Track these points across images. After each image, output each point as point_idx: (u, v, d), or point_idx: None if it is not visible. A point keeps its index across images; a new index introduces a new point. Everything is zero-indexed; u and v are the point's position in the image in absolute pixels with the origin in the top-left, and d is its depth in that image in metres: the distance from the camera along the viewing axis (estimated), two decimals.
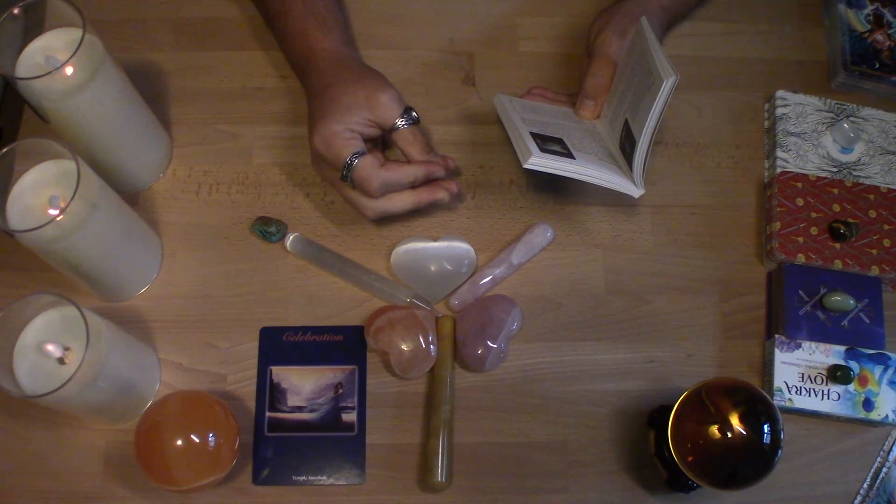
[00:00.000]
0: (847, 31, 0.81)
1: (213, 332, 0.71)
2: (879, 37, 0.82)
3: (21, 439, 0.67)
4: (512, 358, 0.71)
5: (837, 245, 0.72)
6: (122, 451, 0.66)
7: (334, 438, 0.68)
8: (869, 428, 0.70)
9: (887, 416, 0.68)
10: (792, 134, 0.77)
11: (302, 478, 0.67)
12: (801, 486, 0.68)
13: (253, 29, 0.80)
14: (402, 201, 0.68)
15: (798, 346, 0.70)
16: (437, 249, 0.73)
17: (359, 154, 0.65)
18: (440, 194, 0.69)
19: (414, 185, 0.68)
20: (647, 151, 0.67)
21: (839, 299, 0.69)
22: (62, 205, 0.56)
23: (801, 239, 0.72)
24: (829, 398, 0.68)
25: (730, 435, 0.59)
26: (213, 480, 0.63)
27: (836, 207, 0.73)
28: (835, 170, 0.76)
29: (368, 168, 0.65)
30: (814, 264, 0.72)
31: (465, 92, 0.80)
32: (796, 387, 0.69)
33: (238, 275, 0.72)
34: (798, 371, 0.69)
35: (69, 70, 0.59)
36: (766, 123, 0.80)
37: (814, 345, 0.70)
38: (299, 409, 0.68)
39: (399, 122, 0.68)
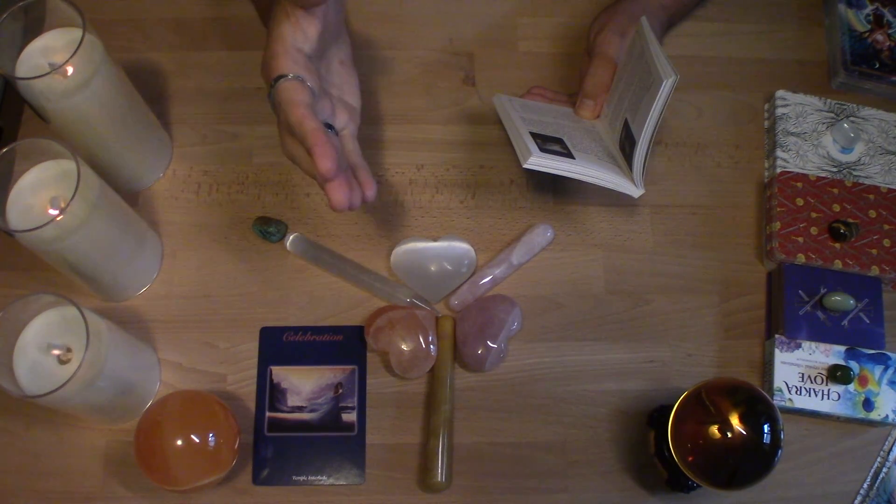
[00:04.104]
0: (847, 31, 0.81)
1: (213, 332, 0.71)
2: (879, 37, 0.82)
3: (21, 439, 0.67)
4: (512, 358, 0.71)
5: (837, 245, 0.72)
6: (122, 451, 0.66)
7: (334, 438, 0.68)
8: (869, 428, 0.70)
9: (887, 416, 0.68)
10: (792, 134, 0.77)
11: (302, 478, 0.67)
12: (801, 486, 0.68)
13: (253, 29, 0.80)
14: (305, 162, 0.58)
15: (798, 346, 0.70)
16: (437, 249, 0.73)
17: (286, 77, 0.57)
18: (334, 194, 0.56)
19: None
20: (647, 151, 0.67)
21: (839, 299, 0.69)
22: (61, 205, 0.56)
23: (801, 239, 0.72)
24: (829, 398, 0.68)
25: (730, 435, 0.59)
26: (213, 480, 0.63)
27: (836, 207, 0.73)
28: (835, 170, 0.76)
29: (288, 92, 0.57)
30: (814, 264, 0.72)
31: (465, 92, 0.80)
32: (796, 387, 0.69)
33: (238, 275, 0.72)
34: (798, 371, 0.69)
35: (69, 70, 0.59)
36: (766, 123, 0.80)
37: (814, 345, 0.70)
38: (299, 409, 0.68)
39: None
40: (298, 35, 0.59)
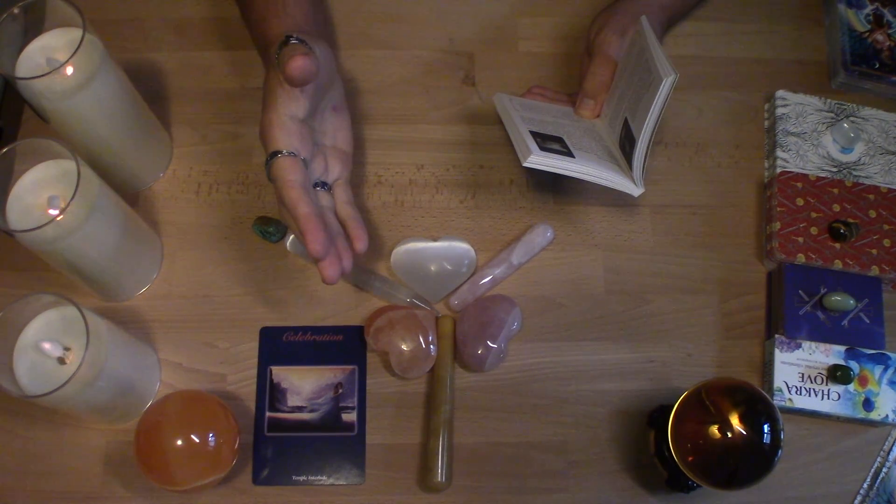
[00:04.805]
0: (847, 31, 0.81)
1: (213, 332, 0.71)
2: (879, 37, 0.82)
3: (21, 439, 0.67)
4: (512, 358, 0.71)
5: (837, 245, 0.72)
6: (122, 451, 0.66)
7: (334, 438, 0.68)
8: (869, 428, 0.70)
9: (887, 416, 0.68)
10: (792, 134, 0.77)
11: (302, 478, 0.67)
12: (801, 486, 0.68)
13: None
14: (299, 233, 0.59)
15: (798, 346, 0.70)
16: (437, 249, 0.73)
17: (281, 153, 0.59)
18: (325, 272, 0.59)
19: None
20: (647, 150, 0.67)
21: (839, 299, 0.69)
22: (62, 205, 0.56)
23: (801, 239, 0.72)
24: (829, 398, 0.68)
25: (730, 435, 0.59)
26: (213, 480, 0.63)
27: (836, 207, 0.73)
28: (835, 170, 0.76)
29: (282, 171, 0.59)
30: (814, 264, 0.72)
31: (465, 92, 0.80)
32: (796, 387, 0.69)
33: (238, 275, 0.72)
34: (798, 371, 0.69)
35: (69, 70, 0.59)
36: (766, 123, 0.80)
37: (814, 345, 0.70)
38: (299, 409, 0.68)
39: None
40: (291, 104, 0.60)
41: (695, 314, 0.73)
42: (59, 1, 0.60)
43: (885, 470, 0.69)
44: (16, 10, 0.60)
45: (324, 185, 0.65)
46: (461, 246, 0.73)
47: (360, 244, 0.63)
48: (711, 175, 0.78)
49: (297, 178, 0.59)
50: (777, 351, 0.69)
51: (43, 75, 0.57)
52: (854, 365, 0.69)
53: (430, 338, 0.68)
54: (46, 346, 0.56)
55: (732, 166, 0.78)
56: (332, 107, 0.66)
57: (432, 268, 0.73)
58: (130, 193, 0.74)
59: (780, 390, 0.68)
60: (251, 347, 0.70)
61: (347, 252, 0.61)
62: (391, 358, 0.68)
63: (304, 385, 0.69)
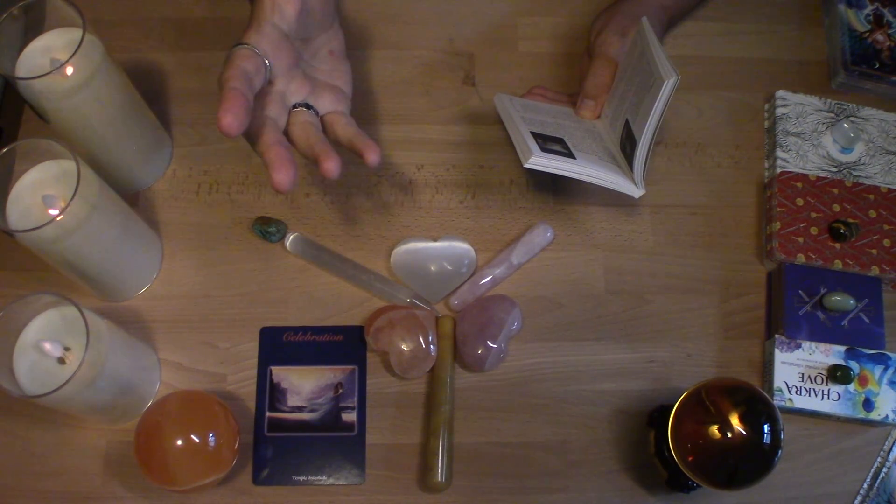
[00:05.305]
0: (847, 31, 0.81)
1: (213, 332, 0.71)
2: (879, 37, 0.82)
3: (21, 439, 0.67)
4: (512, 358, 0.71)
5: (837, 245, 0.72)
6: (122, 451, 0.66)
7: (334, 438, 0.68)
8: (869, 428, 0.70)
9: (887, 416, 0.68)
10: (792, 134, 0.77)
11: (302, 478, 0.67)
12: (801, 486, 0.68)
13: None
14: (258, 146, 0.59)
15: (798, 346, 0.70)
16: (437, 249, 0.73)
17: (244, 45, 0.58)
18: (275, 175, 0.56)
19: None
20: (648, 151, 0.67)
21: (839, 299, 0.69)
22: (61, 205, 0.56)
23: (801, 239, 0.72)
24: (829, 398, 0.68)
25: (730, 435, 0.59)
26: (213, 480, 0.63)
27: (836, 207, 0.73)
28: (835, 170, 0.76)
29: (234, 58, 0.57)
30: (814, 264, 0.72)
31: (465, 92, 0.80)
32: (796, 387, 0.69)
33: (238, 275, 0.72)
34: (798, 371, 0.69)
35: (69, 70, 0.59)
36: (766, 123, 0.80)
37: (814, 345, 0.70)
38: (299, 409, 0.68)
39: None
40: (276, 13, 0.60)
41: (695, 314, 0.73)
42: (59, 1, 0.60)
43: (885, 470, 0.69)
44: (16, 11, 0.60)
45: (308, 106, 0.63)
46: (461, 246, 0.73)
47: (373, 154, 0.61)
48: (711, 175, 0.78)
49: (245, 66, 0.57)
50: (777, 351, 0.69)
51: (43, 75, 0.57)
52: (854, 365, 0.69)
53: (430, 338, 0.68)
54: (47, 345, 0.56)
55: (732, 166, 0.78)
56: (329, 50, 0.66)
57: (432, 268, 0.73)
58: (130, 193, 0.74)
59: (780, 390, 0.68)
60: (251, 347, 0.70)
61: (335, 160, 0.58)
62: (391, 358, 0.68)
63: (304, 385, 0.69)
